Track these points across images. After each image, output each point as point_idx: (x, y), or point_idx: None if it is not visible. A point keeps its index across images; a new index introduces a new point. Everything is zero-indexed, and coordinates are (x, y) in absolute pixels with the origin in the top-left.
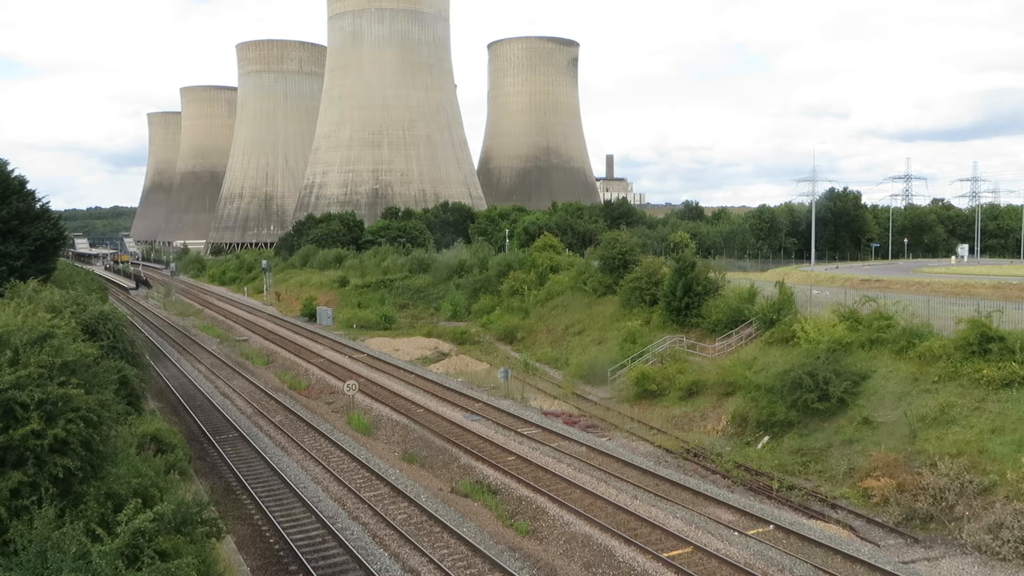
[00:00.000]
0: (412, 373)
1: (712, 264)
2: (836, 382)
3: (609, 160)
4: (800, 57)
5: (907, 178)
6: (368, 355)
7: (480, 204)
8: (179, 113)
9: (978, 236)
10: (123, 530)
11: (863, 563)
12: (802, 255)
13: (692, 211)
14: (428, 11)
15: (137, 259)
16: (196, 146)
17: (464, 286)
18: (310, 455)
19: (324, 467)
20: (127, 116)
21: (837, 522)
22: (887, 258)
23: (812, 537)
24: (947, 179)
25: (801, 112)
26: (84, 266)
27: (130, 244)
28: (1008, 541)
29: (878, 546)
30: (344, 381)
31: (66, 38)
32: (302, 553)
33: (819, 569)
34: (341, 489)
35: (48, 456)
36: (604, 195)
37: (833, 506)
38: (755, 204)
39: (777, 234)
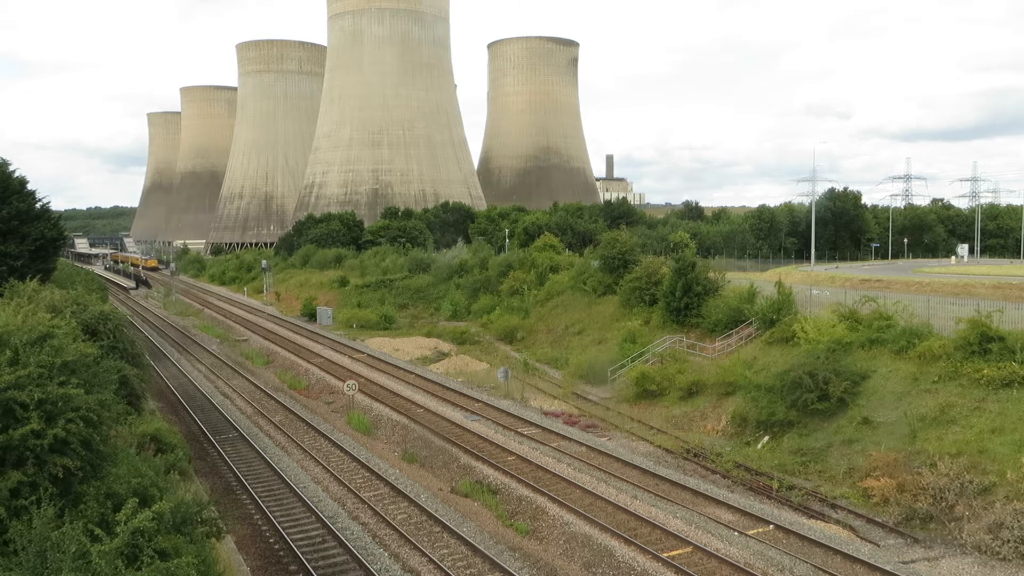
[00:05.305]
0: (412, 373)
1: (712, 264)
2: (836, 382)
3: (609, 160)
4: (802, 57)
5: (907, 178)
6: (368, 355)
7: (480, 204)
8: (179, 113)
9: (978, 236)
10: (122, 529)
11: (863, 563)
12: (802, 255)
13: (692, 211)
14: (428, 11)
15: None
16: (196, 146)
17: (464, 286)
18: (310, 455)
19: (324, 467)
20: (128, 116)
21: (837, 522)
22: (887, 258)
23: (812, 537)
24: (949, 179)
25: (803, 112)
26: (84, 266)
27: (130, 244)
28: (1008, 541)
29: (878, 546)
30: (344, 381)
31: (66, 38)
32: (302, 553)
33: (819, 569)
34: (341, 489)
35: (48, 456)
36: (604, 195)
37: (833, 506)
38: (756, 204)
39: (777, 234)
